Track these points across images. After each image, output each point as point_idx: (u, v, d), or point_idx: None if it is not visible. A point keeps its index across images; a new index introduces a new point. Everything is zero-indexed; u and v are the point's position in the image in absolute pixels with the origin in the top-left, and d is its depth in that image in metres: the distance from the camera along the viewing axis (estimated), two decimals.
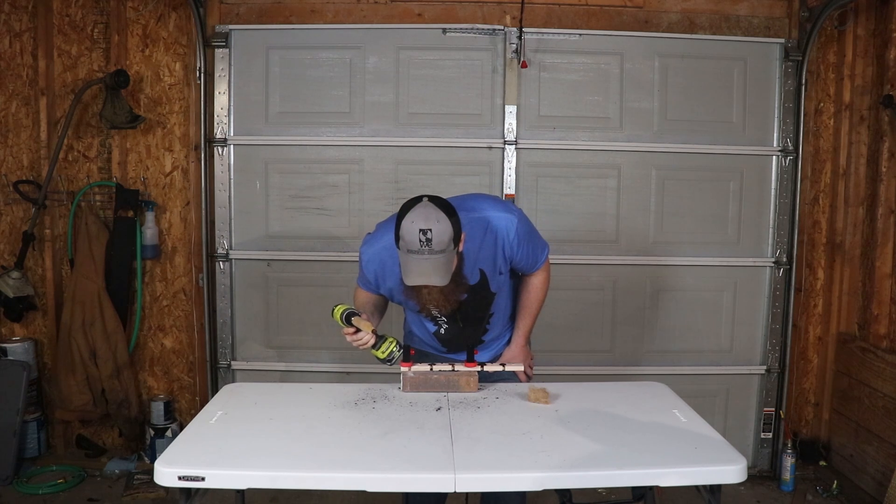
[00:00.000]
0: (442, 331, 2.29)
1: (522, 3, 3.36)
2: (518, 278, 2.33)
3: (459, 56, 3.49)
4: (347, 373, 3.58)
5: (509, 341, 2.39)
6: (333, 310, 2.18)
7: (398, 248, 1.97)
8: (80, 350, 3.49)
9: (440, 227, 1.92)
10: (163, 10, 3.55)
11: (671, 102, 3.52)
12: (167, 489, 2.64)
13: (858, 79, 3.49)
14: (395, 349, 2.18)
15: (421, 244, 1.91)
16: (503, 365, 2.22)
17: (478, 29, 3.47)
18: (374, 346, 2.17)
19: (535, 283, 2.31)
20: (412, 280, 1.96)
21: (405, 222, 1.94)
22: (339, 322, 2.15)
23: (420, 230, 1.91)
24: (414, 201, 1.99)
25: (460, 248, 2.01)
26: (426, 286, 2.01)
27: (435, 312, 2.21)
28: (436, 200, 1.98)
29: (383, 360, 2.19)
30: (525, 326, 2.36)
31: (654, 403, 2.09)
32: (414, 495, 2.30)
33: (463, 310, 2.18)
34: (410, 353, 2.21)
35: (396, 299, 2.26)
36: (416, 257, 1.93)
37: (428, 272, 1.94)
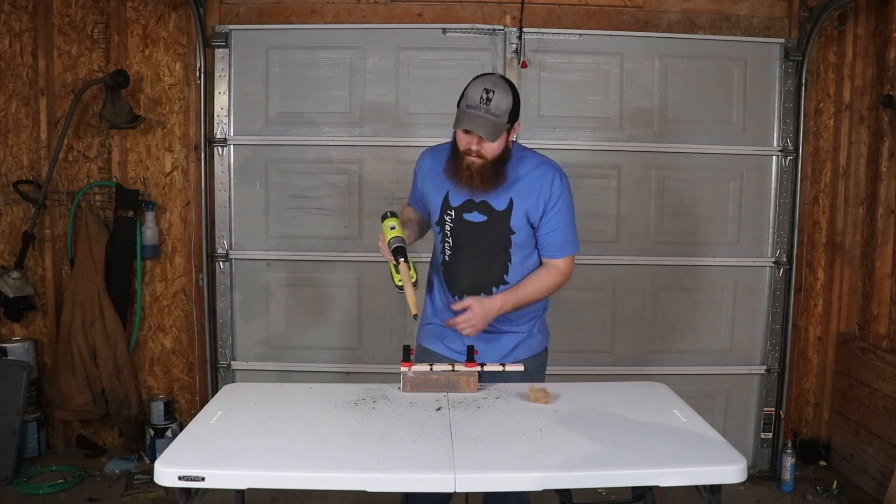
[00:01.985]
0: (447, 257, 2.26)
1: (522, 3, 3.37)
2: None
3: (459, 56, 3.49)
4: (347, 373, 3.58)
5: (517, 345, 2.31)
6: (385, 217, 2.19)
7: (458, 108, 2.10)
8: (80, 350, 3.49)
9: (503, 94, 2.07)
10: (163, 10, 3.55)
11: (671, 102, 3.52)
12: (167, 489, 2.62)
13: (858, 79, 3.50)
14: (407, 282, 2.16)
15: (481, 101, 2.05)
16: (503, 365, 2.22)
17: (478, 29, 3.47)
18: (396, 269, 2.16)
19: (547, 273, 2.24)
20: (461, 124, 2.08)
21: (472, 84, 2.10)
22: (385, 231, 2.15)
23: (484, 89, 2.06)
24: (485, 73, 2.19)
25: (513, 135, 2.17)
26: (467, 164, 2.11)
27: (448, 227, 2.23)
28: (506, 79, 2.15)
29: (396, 286, 2.20)
30: (512, 293, 2.20)
31: (654, 403, 2.09)
32: (415, 496, 2.29)
33: (475, 235, 2.20)
34: (410, 354, 2.21)
35: (432, 205, 2.29)
36: (473, 112, 2.06)
37: (478, 123, 2.06)
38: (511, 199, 2.19)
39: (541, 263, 2.29)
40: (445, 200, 2.25)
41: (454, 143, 2.18)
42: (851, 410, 3.45)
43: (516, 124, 2.16)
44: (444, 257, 2.29)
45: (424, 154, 2.37)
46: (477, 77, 2.13)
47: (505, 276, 2.25)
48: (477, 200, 2.21)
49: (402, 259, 2.12)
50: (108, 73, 3.42)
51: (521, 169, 2.20)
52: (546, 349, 2.42)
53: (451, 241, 2.26)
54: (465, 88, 2.11)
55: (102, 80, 3.44)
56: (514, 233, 2.21)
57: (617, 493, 2.76)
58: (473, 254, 2.24)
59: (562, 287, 2.30)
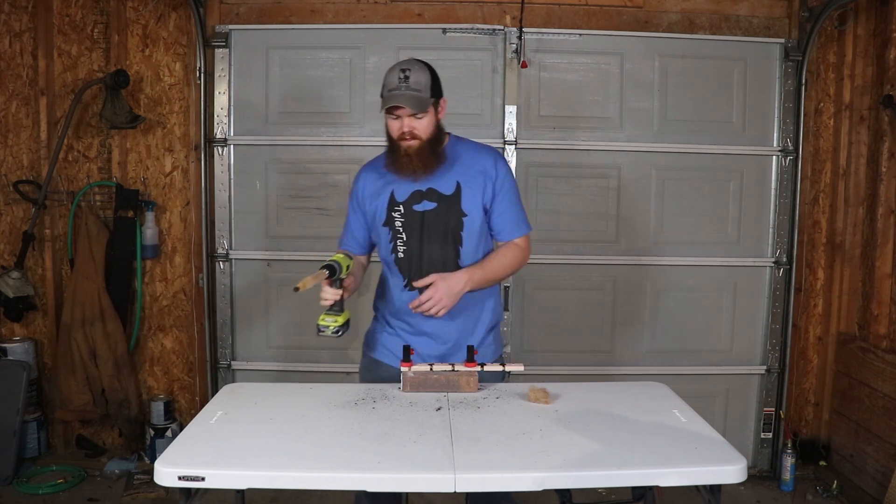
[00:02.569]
0: (401, 254, 2.21)
1: (522, 3, 3.37)
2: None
3: (459, 56, 3.49)
4: (347, 373, 3.57)
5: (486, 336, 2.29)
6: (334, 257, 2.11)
7: (381, 98, 2.14)
8: (80, 350, 3.49)
9: (419, 71, 2.13)
10: (163, 10, 3.55)
11: (671, 102, 3.52)
12: (167, 489, 2.62)
13: (858, 79, 3.49)
14: (332, 326, 2.08)
15: (399, 81, 2.11)
16: (503, 365, 2.22)
17: (478, 29, 3.47)
18: (329, 308, 2.09)
19: (510, 251, 2.24)
20: (386, 104, 2.11)
21: (387, 72, 2.15)
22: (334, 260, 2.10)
23: (400, 69, 2.12)
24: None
25: (441, 113, 2.19)
26: (405, 150, 2.14)
27: (399, 223, 2.19)
28: (420, 59, 2.20)
29: (318, 326, 2.11)
30: (477, 268, 2.18)
31: (654, 403, 2.09)
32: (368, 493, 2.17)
33: (427, 222, 2.18)
34: (410, 354, 2.20)
35: (378, 211, 2.24)
36: (395, 92, 2.11)
37: (402, 99, 2.10)
38: (458, 182, 2.19)
39: (495, 247, 2.29)
40: (391, 200, 2.22)
41: (389, 137, 2.21)
42: (851, 410, 3.45)
43: (442, 101, 2.20)
44: (396, 255, 2.23)
45: (359, 173, 2.35)
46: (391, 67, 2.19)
47: (458, 261, 2.21)
48: (424, 189, 2.19)
49: (328, 274, 2.05)
50: (108, 73, 3.42)
51: (462, 151, 2.24)
52: (500, 357, 2.38)
53: (403, 235, 2.21)
54: (384, 80, 2.16)
55: (102, 80, 3.44)
56: (465, 215, 2.20)
57: (617, 493, 2.75)
58: (426, 242, 2.20)
59: (522, 266, 2.30)
